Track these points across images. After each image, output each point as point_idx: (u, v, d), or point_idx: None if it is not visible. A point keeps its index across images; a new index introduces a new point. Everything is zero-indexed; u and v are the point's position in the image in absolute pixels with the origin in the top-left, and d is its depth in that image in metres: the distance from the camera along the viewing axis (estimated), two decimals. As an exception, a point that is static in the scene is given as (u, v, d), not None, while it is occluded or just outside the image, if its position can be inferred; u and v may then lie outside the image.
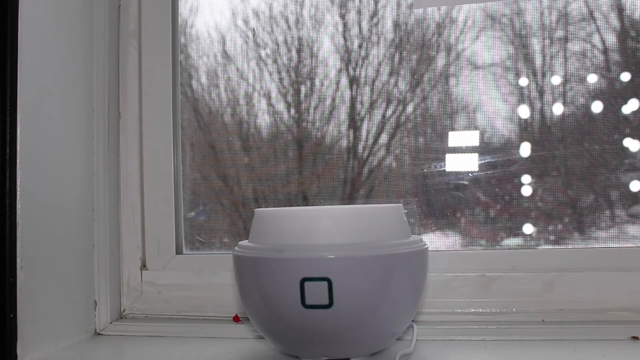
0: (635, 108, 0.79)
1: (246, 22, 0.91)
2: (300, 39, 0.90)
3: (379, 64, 0.86)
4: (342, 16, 0.88)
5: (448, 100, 0.84)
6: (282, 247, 0.54)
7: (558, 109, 0.83)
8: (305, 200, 0.88)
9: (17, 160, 0.62)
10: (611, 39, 0.81)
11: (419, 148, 0.85)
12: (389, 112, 0.86)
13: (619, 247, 0.78)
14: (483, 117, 0.83)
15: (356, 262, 0.52)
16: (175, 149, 0.86)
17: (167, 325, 0.77)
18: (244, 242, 0.59)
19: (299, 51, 0.90)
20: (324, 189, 0.87)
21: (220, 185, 0.91)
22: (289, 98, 0.90)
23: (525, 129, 0.83)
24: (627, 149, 0.79)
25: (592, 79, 0.81)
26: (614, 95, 0.81)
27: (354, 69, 0.88)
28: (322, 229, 0.54)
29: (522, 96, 0.83)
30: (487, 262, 0.76)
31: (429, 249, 0.59)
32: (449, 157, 0.83)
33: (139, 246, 0.84)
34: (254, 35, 0.91)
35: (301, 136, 0.89)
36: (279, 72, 0.90)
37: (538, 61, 0.83)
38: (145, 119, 0.85)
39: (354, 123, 0.88)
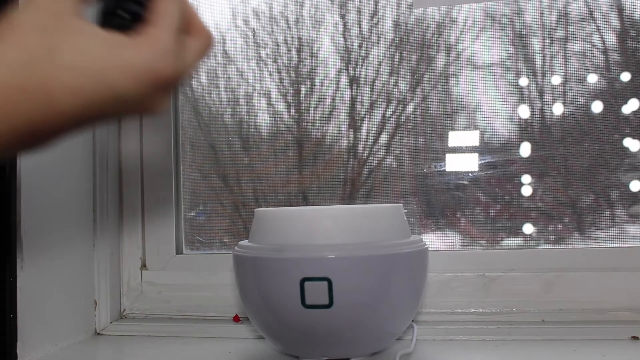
0: (635, 108, 0.79)
1: (246, 22, 0.91)
2: (300, 38, 0.90)
3: (379, 64, 0.86)
4: (342, 16, 0.88)
5: (448, 100, 0.84)
6: (282, 247, 0.54)
7: (558, 109, 0.83)
8: (305, 200, 0.88)
9: (17, 161, 0.62)
10: (611, 39, 0.81)
11: (419, 148, 0.85)
12: (389, 112, 0.86)
13: (619, 247, 0.77)
14: (483, 117, 0.83)
15: (356, 262, 0.52)
16: (175, 149, 0.86)
17: (167, 325, 0.77)
18: (244, 242, 0.59)
19: (299, 51, 0.90)
20: (324, 189, 0.87)
21: (220, 185, 0.91)
22: (289, 98, 0.90)
23: (525, 129, 0.83)
24: (627, 149, 0.79)
25: (592, 79, 0.81)
26: (614, 95, 0.81)
27: (354, 69, 0.88)
28: (322, 229, 0.54)
29: (522, 96, 0.83)
30: (487, 262, 0.76)
31: (429, 249, 0.59)
32: (449, 157, 0.83)
33: (139, 246, 0.84)
34: (254, 35, 0.91)
35: (301, 136, 0.89)
36: (279, 72, 0.90)
37: (538, 61, 0.83)
38: (145, 118, 0.85)
39: (354, 123, 0.88)
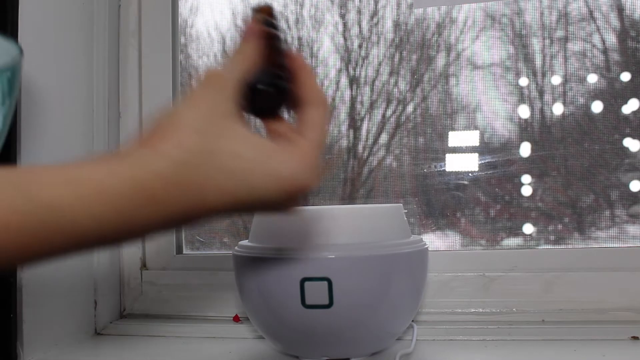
0: (635, 108, 0.79)
1: (246, 22, 0.91)
2: (300, 38, 0.90)
3: (379, 64, 0.86)
4: (342, 16, 0.88)
5: (448, 100, 0.84)
6: (282, 247, 0.54)
7: (558, 109, 0.83)
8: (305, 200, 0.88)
9: (19, 162, 0.62)
10: (611, 39, 0.81)
11: (419, 148, 0.85)
12: (389, 112, 0.86)
13: (619, 247, 0.77)
14: (483, 117, 0.83)
15: (356, 262, 0.52)
16: (175, 149, 0.86)
17: (167, 325, 0.77)
18: (244, 242, 0.59)
19: (298, 51, 0.90)
20: (324, 189, 0.87)
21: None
22: (289, 98, 0.90)
23: (525, 129, 0.83)
24: (627, 149, 0.79)
25: (592, 79, 0.81)
26: (614, 95, 0.81)
27: (354, 69, 0.88)
28: (322, 229, 0.54)
29: (522, 96, 0.84)
30: (487, 262, 0.76)
31: (429, 249, 0.59)
32: (449, 157, 0.83)
33: (139, 246, 0.84)
34: (254, 35, 0.91)
35: (301, 136, 0.89)
36: (279, 72, 0.90)
37: (538, 61, 0.83)
38: (145, 119, 0.85)
39: (354, 123, 0.88)
